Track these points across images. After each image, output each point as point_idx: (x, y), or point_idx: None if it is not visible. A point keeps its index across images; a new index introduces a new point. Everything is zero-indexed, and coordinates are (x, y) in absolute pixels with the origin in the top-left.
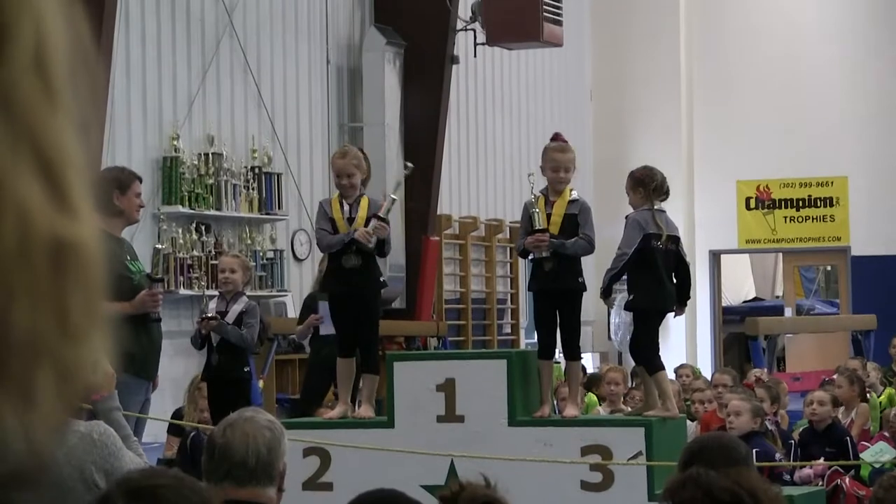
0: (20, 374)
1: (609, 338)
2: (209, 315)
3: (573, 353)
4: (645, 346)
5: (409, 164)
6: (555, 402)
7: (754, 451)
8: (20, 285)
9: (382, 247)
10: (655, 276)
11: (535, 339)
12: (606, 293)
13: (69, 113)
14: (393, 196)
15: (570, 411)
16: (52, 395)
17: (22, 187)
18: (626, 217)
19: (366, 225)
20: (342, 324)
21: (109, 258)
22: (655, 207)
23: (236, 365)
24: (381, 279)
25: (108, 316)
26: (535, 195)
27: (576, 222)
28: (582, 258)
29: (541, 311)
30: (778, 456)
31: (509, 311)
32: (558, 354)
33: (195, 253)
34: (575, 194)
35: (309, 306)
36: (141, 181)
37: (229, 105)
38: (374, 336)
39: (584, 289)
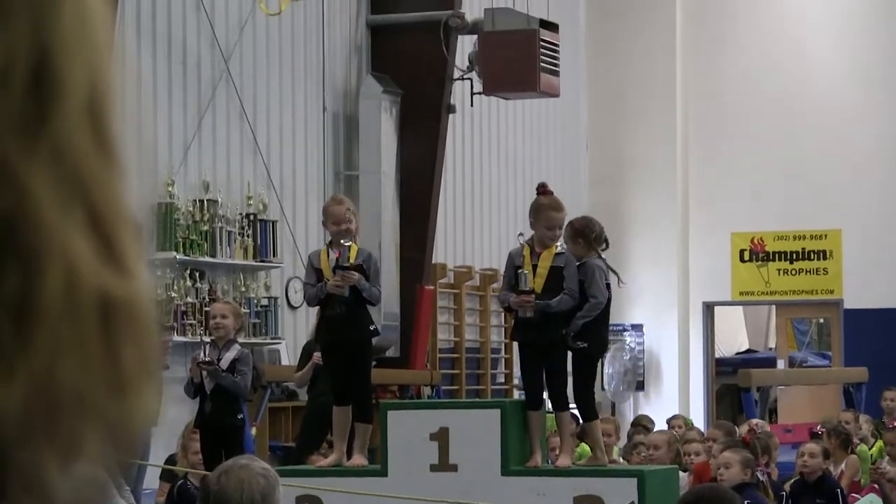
0: (68, 431)
1: (602, 388)
2: (204, 360)
3: (561, 404)
4: (590, 394)
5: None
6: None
7: (746, 502)
8: (67, 342)
9: (360, 294)
10: (606, 324)
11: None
12: (576, 338)
13: (120, 165)
14: (347, 244)
15: (563, 461)
16: (99, 451)
17: (71, 242)
18: (583, 264)
19: (335, 273)
20: (335, 373)
21: None
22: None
23: (230, 412)
24: (372, 328)
25: (159, 370)
26: (521, 243)
27: (561, 276)
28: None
29: (525, 361)
30: None
31: (503, 360)
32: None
33: (189, 300)
34: (561, 247)
35: (308, 354)
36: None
37: (225, 151)
38: (366, 385)
39: (566, 341)
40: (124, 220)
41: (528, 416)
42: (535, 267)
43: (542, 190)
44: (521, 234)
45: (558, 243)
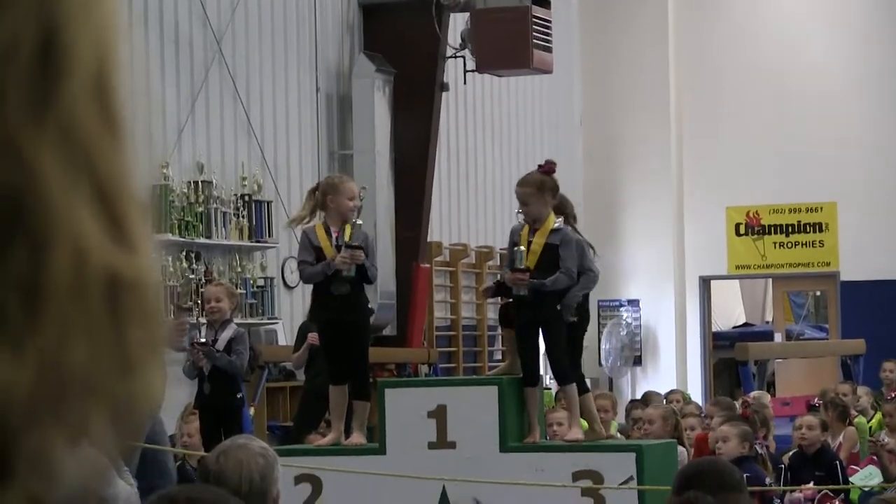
0: (75, 411)
1: (599, 364)
2: (200, 341)
3: (564, 379)
4: (578, 365)
5: (365, 188)
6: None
7: (745, 475)
8: (76, 322)
9: (365, 274)
10: (587, 297)
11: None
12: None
13: (126, 143)
14: (358, 222)
15: (574, 434)
16: (104, 431)
17: (79, 221)
18: (566, 235)
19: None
20: (333, 352)
21: None
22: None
23: (228, 392)
24: (369, 306)
25: (164, 351)
26: (521, 222)
27: (556, 253)
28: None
29: (522, 339)
30: (768, 480)
31: (500, 337)
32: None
33: None
34: (558, 224)
35: (304, 334)
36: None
37: (219, 133)
38: (365, 363)
39: (563, 316)
40: (131, 199)
41: (525, 392)
42: (529, 245)
43: (550, 168)
44: (518, 211)
45: (558, 220)
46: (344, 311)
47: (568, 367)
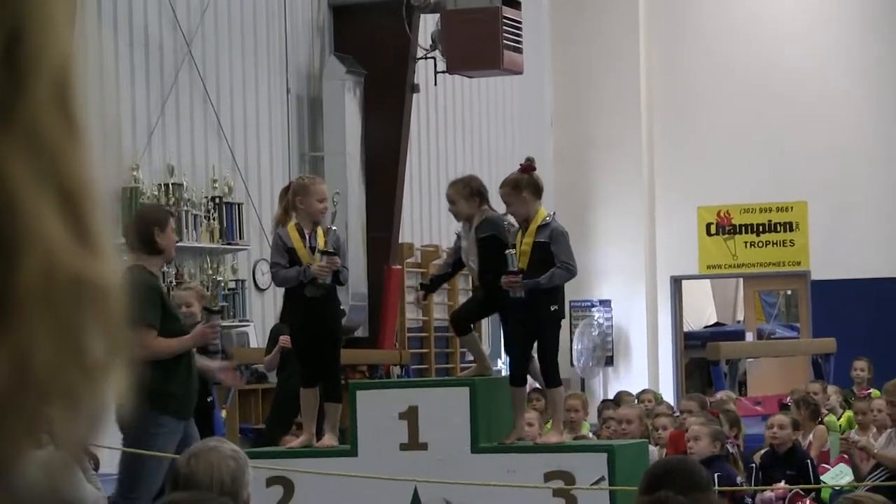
0: (40, 412)
1: (571, 364)
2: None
3: (551, 381)
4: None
5: (338, 192)
6: None
7: (716, 475)
8: (43, 324)
9: (337, 277)
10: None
11: (498, 367)
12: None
13: (88, 145)
14: (332, 227)
15: (553, 437)
16: (70, 432)
17: (46, 224)
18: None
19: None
20: (305, 354)
21: (163, 294)
22: None
23: (199, 395)
24: (340, 308)
25: (129, 355)
26: (515, 226)
27: (547, 251)
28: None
29: (512, 338)
30: (739, 479)
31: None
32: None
33: None
34: (547, 219)
35: (275, 337)
36: (173, 216)
37: (189, 135)
38: (336, 365)
39: (555, 315)
40: (95, 202)
41: (511, 392)
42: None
43: (529, 167)
44: (505, 215)
45: (548, 215)
46: (316, 313)
47: (557, 370)
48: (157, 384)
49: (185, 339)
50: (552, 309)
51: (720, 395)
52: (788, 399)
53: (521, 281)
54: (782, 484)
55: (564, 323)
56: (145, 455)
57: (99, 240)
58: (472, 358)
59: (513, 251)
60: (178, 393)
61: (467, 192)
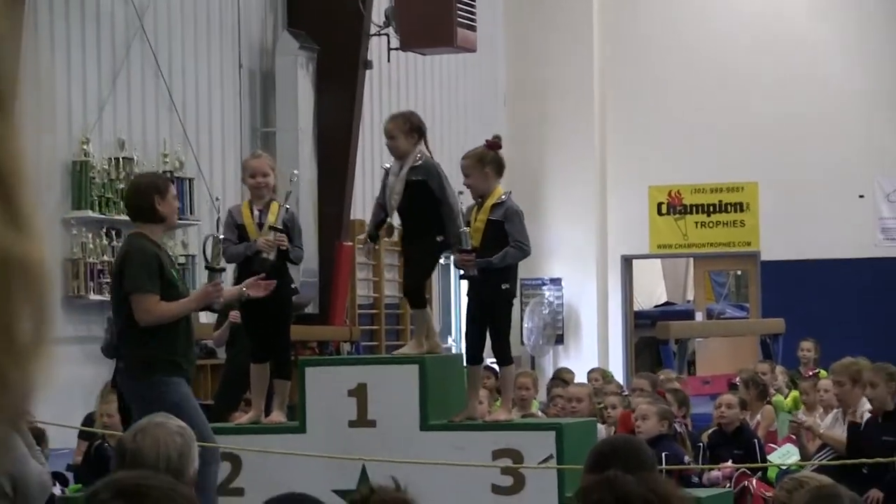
0: None
1: (521, 342)
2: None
3: (503, 360)
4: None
5: (296, 172)
6: None
7: (663, 454)
8: None
9: (286, 255)
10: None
11: (448, 344)
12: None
13: (16, 122)
14: (285, 206)
15: (503, 414)
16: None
17: None
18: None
19: (261, 229)
20: (254, 330)
21: (166, 263)
22: None
23: None
24: (293, 286)
25: (54, 332)
26: (473, 202)
27: (500, 228)
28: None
29: (468, 316)
30: (687, 459)
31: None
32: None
33: (105, 258)
34: (503, 198)
35: (225, 312)
36: (172, 183)
37: (140, 109)
38: (286, 342)
39: (507, 294)
40: (25, 180)
41: (468, 370)
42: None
43: (495, 144)
44: (460, 193)
45: (504, 194)
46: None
47: (509, 349)
48: (157, 351)
49: (188, 300)
50: (503, 287)
51: (662, 374)
52: (737, 379)
53: (474, 259)
54: (729, 463)
55: (515, 301)
56: (175, 408)
57: (29, 220)
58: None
59: (467, 229)
60: (180, 359)
61: (407, 128)
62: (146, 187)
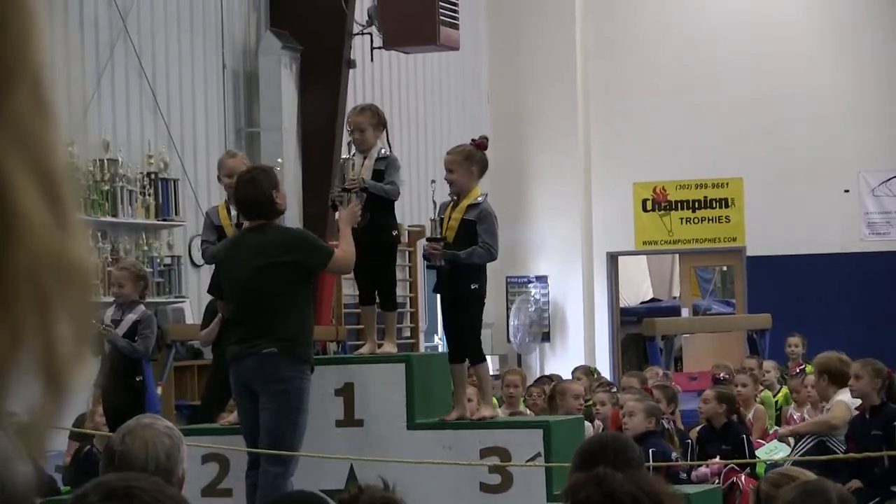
0: (20, 392)
1: (508, 340)
2: (104, 324)
3: (476, 357)
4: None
5: (280, 161)
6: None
7: (651, 451)
8: (34, 304)
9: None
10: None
11: (435, 343)
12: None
13: (59, 126)
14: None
15: (485, 412)
16: (41, 415)
17: (32, 208)
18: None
19: (238, 229)
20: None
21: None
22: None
23: (128, 374)
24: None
25: (94, 332)
26: (450, 197)
27: (473, 229)
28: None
29: (444, 314)
30: (675, 455)
31: (408, 314)
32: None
33: (92, 260)
34: (479, 199)
35: (211, 312)
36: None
37: (124, 110)
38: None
39: (476, 294)
40: (68, 182)
41: (451, 369)
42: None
43: (482, 143)
44: (433, 181)
45: (480, 195)
46: None
47: (480, 347)
48: (297, 333)
49: (344, 230)
50: (472, 287)
51: (648, 371)
52: (723, 374)
53: (441, 249)
54: (717, 459)
55: (501, 299)
56: (296, 413)
57: (74, 220)
58: (408, 334)
59: (435, 218)
60: (311, 341)
61: (375, 121)
62: (261, 182)
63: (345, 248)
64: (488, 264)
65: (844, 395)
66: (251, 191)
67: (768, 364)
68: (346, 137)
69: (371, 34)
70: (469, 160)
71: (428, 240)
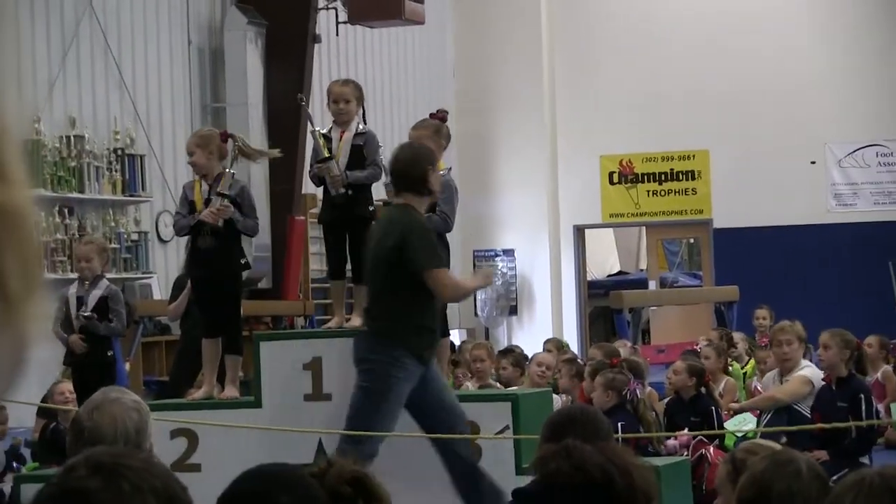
0: None
1: (475, 314)
2: (85, 314)
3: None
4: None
5: (239, 135)
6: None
7: (619, 424)
8: None
9: (231, 227)
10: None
11: None
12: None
13: (9, 81)
14: (231, 171)
15: None
16: None
17: None
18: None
19: (207, 204)
20: (204, 305)
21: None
22: None
23: (99, 349)
24: (243, 261)
25: (44, 282)
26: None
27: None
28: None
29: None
30: (642, 428)
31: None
32: None
33: (58, 236)
34: (443, 172)
35: (180, 287)
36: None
37: (90, 87)
38: (234, 318)
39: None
40: (9, 134)
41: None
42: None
43: (444, 117)
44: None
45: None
46: (211, 264)
47: (446, 324)
48: (405, 318)
49: (468, 284)
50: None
51: (617, 343)
52: (698, 346)
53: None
54: (685, 431)
55: (468, 273)
56: (381, 400)
57: (11, 169)
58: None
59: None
60: (426, 329)
61: (358, 94)
62: (422, 159)
63: (456, 283)
64: (455, 241)
65: (807, 370)
66: (406, 163)
67: (737, 336)
68: (319, 109)
69: (336, 9)
70: (438, 134)
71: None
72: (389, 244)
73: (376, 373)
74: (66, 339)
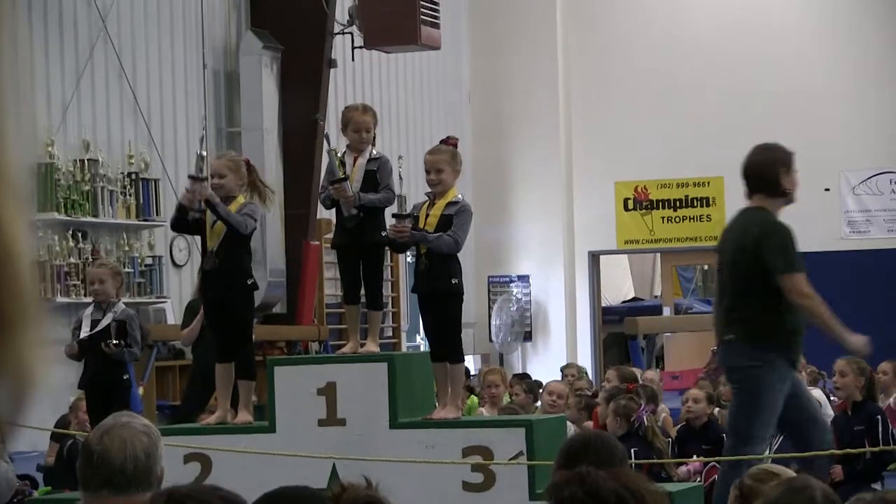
0: None
1: (490, 339)
2: (113, 342)
3: (452, 357)
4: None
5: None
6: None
7: (632, 450)
8: None
9: (235, 249)
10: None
11: (416, 343)
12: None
13: (6, 123)
14: (203, 153)
15: (450, 413)
16: None
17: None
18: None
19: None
20: (216, 330)
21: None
22: None
23: (115, 373)
24: (249, 281)
25: (41, 324)
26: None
27: (450, 223)
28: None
29: (422, 313)
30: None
31: (390, 314)
32: None
33: (72, 260)
34: (459, 197)
35: (192, 311)
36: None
37: (105, 110)
38: (245, 342)
39: (456, 290)
40: (13, 166)
41: (433, 368)
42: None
43: (455, 143)
44: (400, 157)
45: (458, 195)
46: (217, 286)
47: (459, 346)
48: (775, 322)
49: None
50: (453, 282)
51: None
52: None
53: (409, 229)
54: (694, 458)
55: (483, 298)
56: (760, 407)
57: (7, 209)
58: (389, 334)
59: (402, 194)
60: (797, 332)
61: (376, 121)
62: (774, 159)
63: (814, 294)
64: (469, 267)
65: (814, 392)
66: (758, 165)
67: None
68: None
69: (352, 33)
70: (454, 160)
71: (394, 216)
72: (748, 247)
73: (751, 380)
74: (76, 356)
